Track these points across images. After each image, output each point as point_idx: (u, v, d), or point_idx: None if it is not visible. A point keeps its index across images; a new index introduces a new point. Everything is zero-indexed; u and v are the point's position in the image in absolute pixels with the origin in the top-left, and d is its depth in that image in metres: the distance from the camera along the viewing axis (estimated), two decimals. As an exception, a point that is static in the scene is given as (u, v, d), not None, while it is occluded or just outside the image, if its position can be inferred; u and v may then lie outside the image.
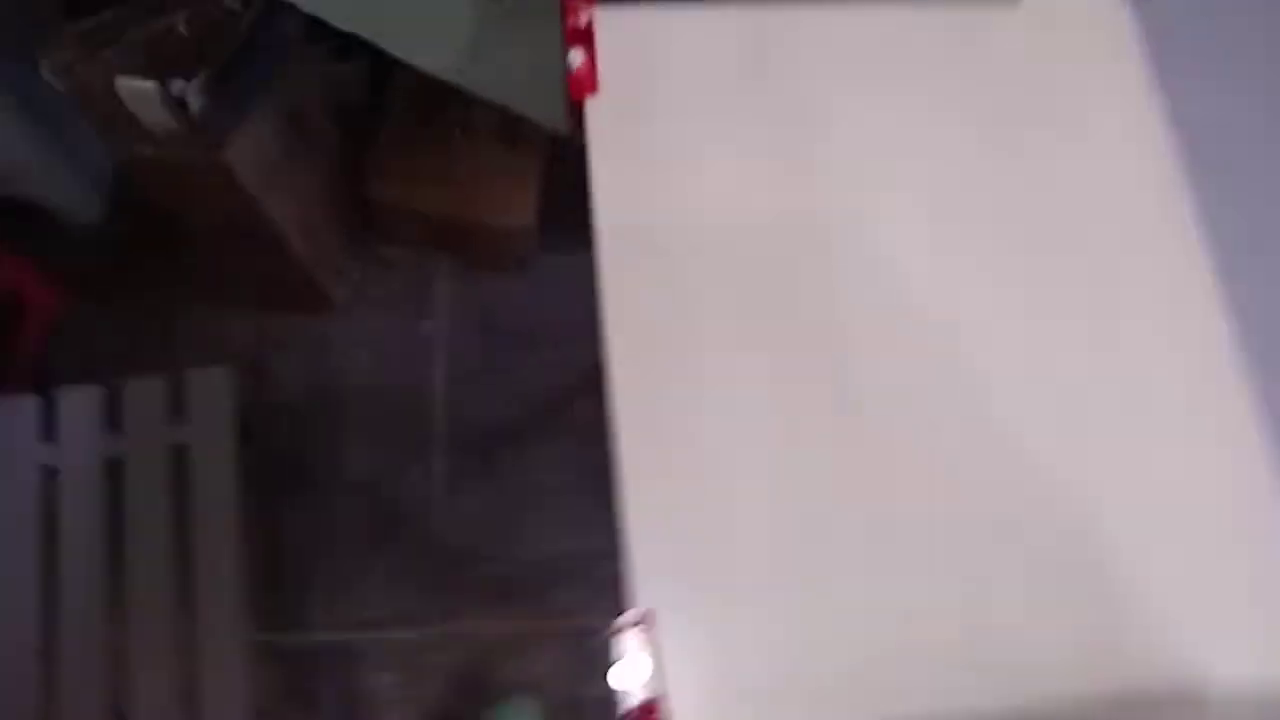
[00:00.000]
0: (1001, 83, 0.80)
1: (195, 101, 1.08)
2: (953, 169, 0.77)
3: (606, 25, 0.77)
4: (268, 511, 1.35)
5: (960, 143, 0.77)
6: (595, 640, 1.20)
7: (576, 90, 0.76)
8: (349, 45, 1.04)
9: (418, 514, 1.39)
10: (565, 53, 0.76)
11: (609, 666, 0.63)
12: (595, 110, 0.75)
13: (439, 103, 1.34)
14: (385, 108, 1.39)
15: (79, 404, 1.17)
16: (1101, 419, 0.71)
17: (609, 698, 0.63)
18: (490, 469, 1.41)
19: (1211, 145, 0.78)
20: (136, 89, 1.06)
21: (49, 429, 1.15)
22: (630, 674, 0.61)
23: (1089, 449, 0.70)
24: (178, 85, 1.07)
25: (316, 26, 0.98)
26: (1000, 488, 0.69)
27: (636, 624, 0.62)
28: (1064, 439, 0.70)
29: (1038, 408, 0.71)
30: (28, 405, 1.15)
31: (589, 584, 1.30)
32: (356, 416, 1.45)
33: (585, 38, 0.76)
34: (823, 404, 0.70)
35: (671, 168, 0.75)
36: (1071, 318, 0.74)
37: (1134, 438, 0.71)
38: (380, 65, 1.36)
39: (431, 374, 1.46)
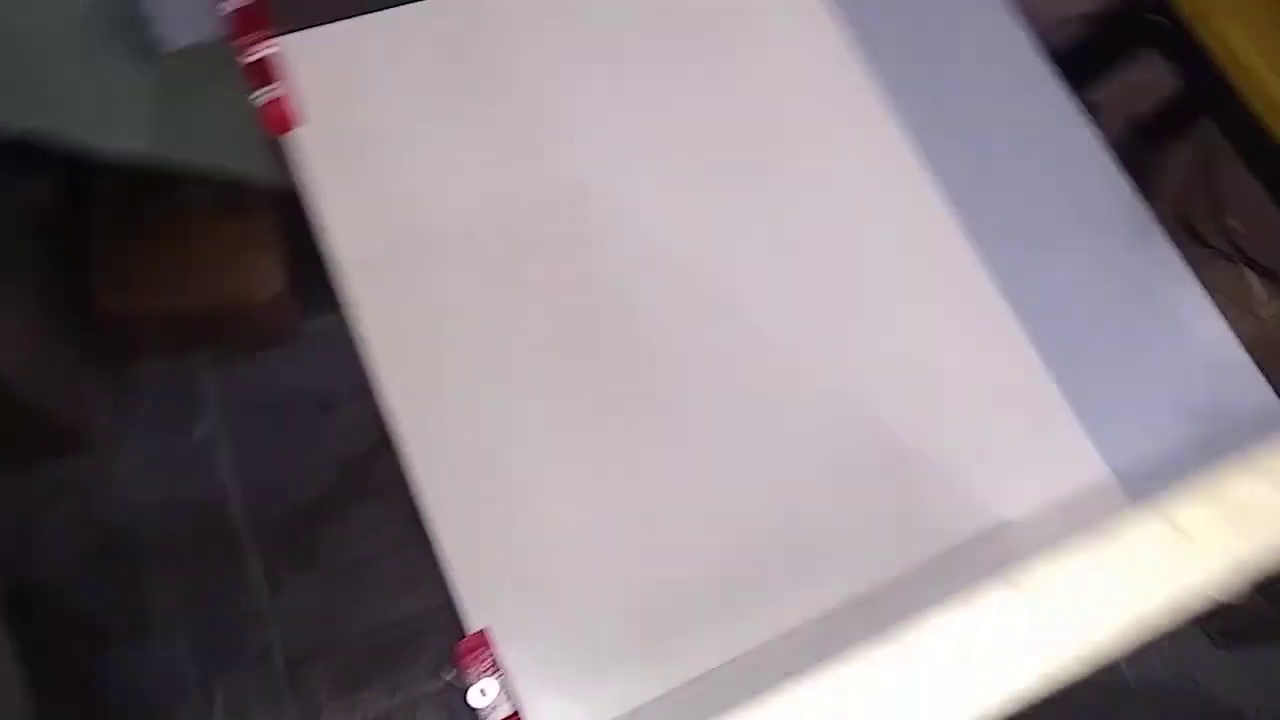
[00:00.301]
0: (688, 14, 0.83)
1: None
2: (667, 106, 0.79)
3: (297, 52, 0.74)
4: (72, 685, 1.19)
5: (669, 81, 0.80)
6: (456, 693, 1.15)
7: (272, 127, 0.72)
8: (28, 155, 0.95)
9: (244, 630, 1.28)
10: (250, 94, 0.72)
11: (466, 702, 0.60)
12: (305, 143, 0.72)
13: (148, 190, 1.24)
14: (91, 213, 1.28)
15: None
16: (854, 308, 0.76)
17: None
18: (309, 556, 1.32)
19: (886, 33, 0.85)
20: None
21: None
22: (481, 698, 0.58)
23: (853, 341, 0.74)
24: None
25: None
26: (787, 402, 0.72)
27: (476, 647, 0.60)
28: (829, 338, 0.74)
29: (797, 315, 0.74)
30: None
31: (438, 639, 1.24)
32: (151, 549, 1.32)
33: (267, 72, 0.72)
34: (610, 373, 0.70)
35: (402, 181, 0.73)
36: (803, 221, 0.78)
37: (886, 317, 0.76)
38: (71, 168, 1.25)
39: (220, 477, 1.35)
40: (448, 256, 0.72)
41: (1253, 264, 1.17)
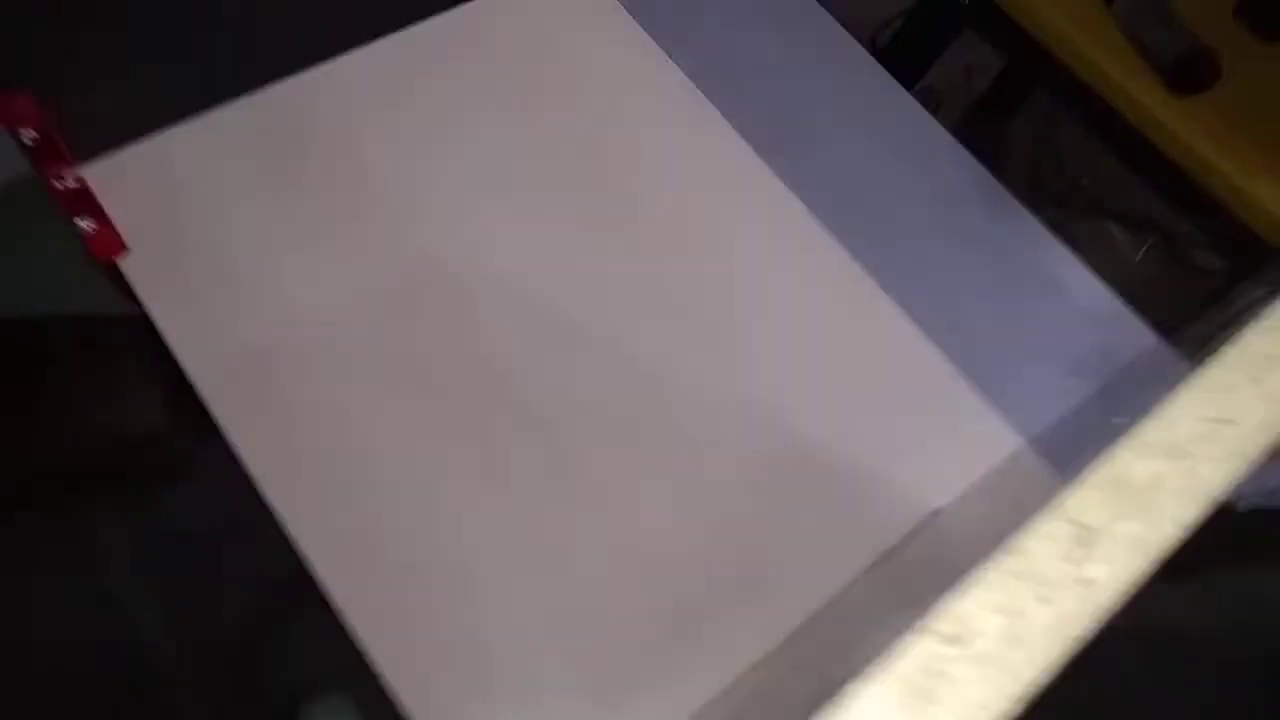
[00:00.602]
0: (516, 70, 0.82)
1: None
2: (510, 163, 0.77)
3: (114, 175, 0.70)
4: None
5: (510, 141, 0.78)
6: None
7: (102, 254, 0.67)
8: None
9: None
10: (72, 227, 0.67)
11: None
12: (135, 265, 0.68)
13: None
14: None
15: None
16: (741, 331, 0.75)
17: None
18: (250, 689, 1.22)
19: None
20: None
21: None
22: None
23: (746, 363, 0.73)
24: None
25: None
26: (694, 438, 0.70)
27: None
28: (720, 364, 0.73)
29: (685, 348, 0.73)
30: None
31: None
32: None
33: (83, 201, 0.68)
34: (511, 443, 0.67)
35: (248, 287, 0.69)
36: (670, 253, 0.77)
37: (775, 334, 0.75)
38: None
39: (140, 626, 1.25)
40: (309, 355, 0.68)
41: (1109, 213, 1.22)
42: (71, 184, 0.67)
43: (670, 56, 0.85)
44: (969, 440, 0.73)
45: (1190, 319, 1.08)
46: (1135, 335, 0.80)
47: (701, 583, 0.64)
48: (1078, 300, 0.82)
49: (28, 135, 0.65)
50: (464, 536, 0.64)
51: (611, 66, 0.84)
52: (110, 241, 0.67)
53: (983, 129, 1.25)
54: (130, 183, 0.70)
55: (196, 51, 0.70)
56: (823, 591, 0.64)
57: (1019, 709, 0.27)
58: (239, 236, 0.71)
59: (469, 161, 0.77)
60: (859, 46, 0.92)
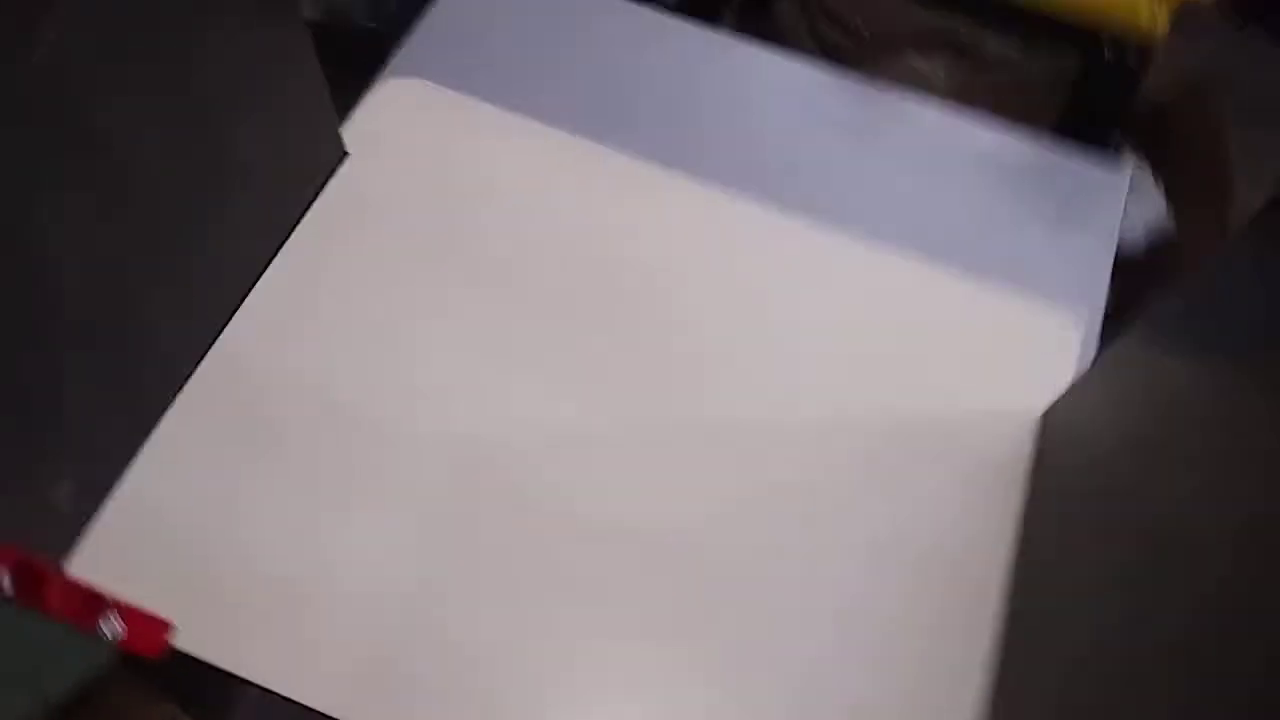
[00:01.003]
0: (426, 217, 0.76)
1: None
2: (465, 317, 0.73)
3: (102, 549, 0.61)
4: None
5: (455, 296, 0.74)
6: None
7: (146, 648, 0.58)
8: None
9: None
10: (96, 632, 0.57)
11: None
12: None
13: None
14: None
15: None
16: (749, 336, 0.75)
17: None
18: None
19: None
20: None
21: None
22: None
23: (792, 368, 0.74)
24: None
25: None
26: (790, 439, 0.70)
27: None
28: (767, 377, 0.73)
29: (725, 378, 0.73)
30: None
31: None
32: None
33: (96, 604, 0.57)
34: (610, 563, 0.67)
35: (287, 586, 0.63)
36: (634, 302, 0.76)
37: (787, 331, 0.76)
38: None
39: None
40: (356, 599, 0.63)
41: (901, 46, 1.28)
42: (73, 596, 0.57)
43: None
44: (1034, 340, 0.75)
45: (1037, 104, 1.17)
46: (1068, 161, 0.86)
47: (885, 584, 0.66)
48: (931, 136, 0.91)
49: (4, 579, 0.54)
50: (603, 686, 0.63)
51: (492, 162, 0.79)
52: (148, 631, 0.58)
53: (761, 15, 1.26)
54: (123, 546, 0.60)
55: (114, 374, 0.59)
56: (1001, 546, 0.67)
57: None
58: (259, 536, 0.63)
59: (421, 333, 0.72)
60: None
